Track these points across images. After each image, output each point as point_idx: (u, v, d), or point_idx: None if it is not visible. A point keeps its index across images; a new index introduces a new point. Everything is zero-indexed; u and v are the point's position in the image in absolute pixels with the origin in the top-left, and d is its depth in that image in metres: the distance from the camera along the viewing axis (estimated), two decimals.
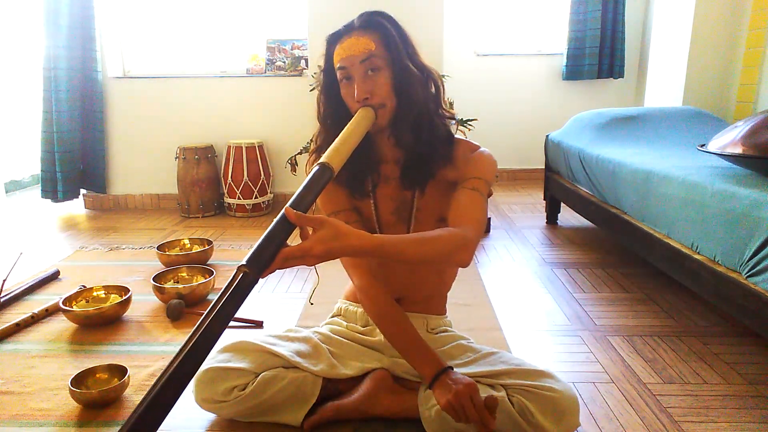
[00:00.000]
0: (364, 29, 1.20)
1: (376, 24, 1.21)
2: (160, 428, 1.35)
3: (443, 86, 1.29)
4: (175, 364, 0.76)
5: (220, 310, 0.82)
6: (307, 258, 0.93)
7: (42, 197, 3.63)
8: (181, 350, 0.79)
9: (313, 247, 0.92)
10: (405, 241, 1.06)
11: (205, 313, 0.82)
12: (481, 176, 1.24)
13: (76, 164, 3.61)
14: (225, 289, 0.85)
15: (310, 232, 0.95)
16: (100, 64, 3.59)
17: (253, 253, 0.88)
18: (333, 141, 1.12)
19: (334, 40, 1.23)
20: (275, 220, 0.93)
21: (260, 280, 0.91)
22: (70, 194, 3.64)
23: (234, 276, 0.86)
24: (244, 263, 0.86)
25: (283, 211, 0.92)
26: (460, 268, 1.46)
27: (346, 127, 1.13)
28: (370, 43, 1.18)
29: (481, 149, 1.29)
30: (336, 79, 1.24)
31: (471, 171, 1.25)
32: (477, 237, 1.14)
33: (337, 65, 1.21)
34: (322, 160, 1.03)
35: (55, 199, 3.62)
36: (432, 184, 1.30)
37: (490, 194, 1.23)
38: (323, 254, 0.93)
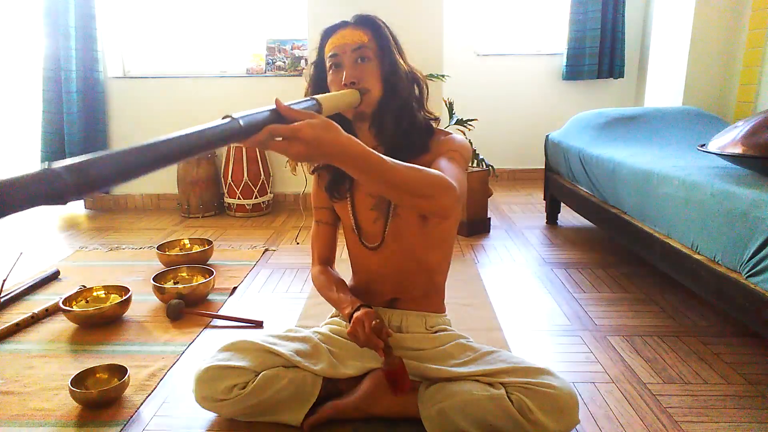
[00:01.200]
0: (358, 24, 1.26)
1: (370, 21, 1.27)
2: (158, 427, 1.35)
3: (428, 89, 1.33)
4: (122, 152, 0.62)
5: (194, 133, 0.71)
6: (294, 142, 0.84)
7: None
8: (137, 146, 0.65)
9: (303, 129, 0.84)
10: (395, 161, 0.98)
11: (180, 132, 0.70)
12: (456, 149, 1.25)
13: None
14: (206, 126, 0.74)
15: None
16: (102, 64, 3.59)
17: (245, 114, 0.80)
18: None
19: (328, 33, 1.28)
20: (264, 109, 0.84)
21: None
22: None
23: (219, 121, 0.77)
24: (233, 115, 0.78)
25: (273, 104, 0.86)
26: (452, 268, 1.47)
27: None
28: (363, 35, 1.24)
29: (453, 135, 1.32)
30: (325, 70, 1.28)
31: (444, 147, 1.26)
32: (460, 193, 1.10)
33: (328, 53, 1.25)
34: (315, 96, 1.03)
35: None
36: None
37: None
38: (311, 140, 0.84)
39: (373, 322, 1.21)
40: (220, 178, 3.60)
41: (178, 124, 4.09)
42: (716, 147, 1.83)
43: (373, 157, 0.93)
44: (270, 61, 3.79)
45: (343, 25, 1.27)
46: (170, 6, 3.90)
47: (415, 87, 1.31)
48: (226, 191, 3.54)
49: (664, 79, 3.68)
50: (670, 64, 3.56)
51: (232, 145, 3.46)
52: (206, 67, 3.86)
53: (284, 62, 3.77)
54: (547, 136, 3.23)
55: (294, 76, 3.68)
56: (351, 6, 3.57)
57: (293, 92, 3.57)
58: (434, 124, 1.35)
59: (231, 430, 1.34)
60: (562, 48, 4.32)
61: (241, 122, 0.78)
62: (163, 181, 3.76)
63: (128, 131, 3.73)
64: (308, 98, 1.02)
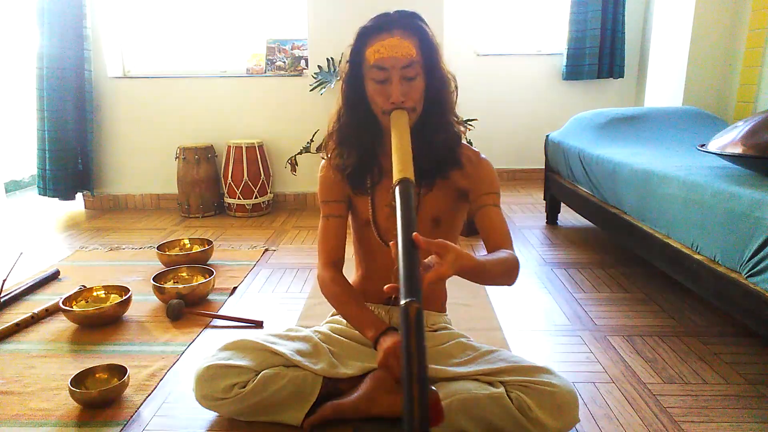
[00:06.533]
0: (405, 31, 1.19)
1: (416, 28, 1.20)
2: (158, 427, 1.35)
3: (457, 91, 1.30)
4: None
5: (412, 351, 0.74)
6: (440, 281, 0.99)
7: (39, 194, 3.63)
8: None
9: (446, 272, 0.96)
10: (491, 261, 1.16)
11: (404, 365, 0.73)
12: (496, 191, 1.32)
13: (68, 163, 3.57)
14: (406, 333, 0.76)
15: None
16: (92, 63, 3.56)
17: (408, 284, 0.83)
18: (349, 129, 1.29)
19: (370, 33, 1.20)
20: (402, 248, 0.89)
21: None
22: (62, 194, 3.61)
23: (408, 315, 0.78)
24: (410, 298, 0.80)
25: (408, 238, 0.89)
26: None
27: (393, 137, 1.13)
28: (412, 49, 1.17)
29: (482, 156, 1.34)
30: (361, 71, 1.23)
31: (486, 186, 1.31)
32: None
33: (373, 62, 1.18)
34: (397, 177, 1.02)
35: (49, 194, 3.61)
36: (441, 184, 1.32)
37: None
38: (450, 275, 0.98)
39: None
40: (220, 178, 3.60)
41: (178, 124, 4.08)
42: (716, 147, 1.83)
43: (480, 267, 1.08)
44: (270, 60, 3.79)
45: (389, 28, 1.18)
46: (170, 6, 3.90)
47: (454, 90, 1.29)
48: (226, 191, 3.54)
49: (664, 79, 3.68)
50: (670, 64, 3.56)
51: (231, 146, 3.45)
52: (206, 67, 3.86)
53: (284, 62, 3.77)
54: (547, 136, 3.23)
55: (294, 76, 3.68)
56: (351, 6, 3.57)
57: (293, 92, 3.59)
58: (461, 128, 1.33)
59: (231, 430, 1.34)
60: (562, 48, 4.32)
61: (420, 302, 0.81)
62: (163, 181, 3.76)
63: (128, 131, 3.73)
64: (398, 185, 1.00)
